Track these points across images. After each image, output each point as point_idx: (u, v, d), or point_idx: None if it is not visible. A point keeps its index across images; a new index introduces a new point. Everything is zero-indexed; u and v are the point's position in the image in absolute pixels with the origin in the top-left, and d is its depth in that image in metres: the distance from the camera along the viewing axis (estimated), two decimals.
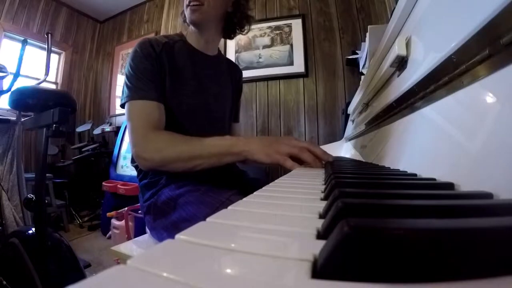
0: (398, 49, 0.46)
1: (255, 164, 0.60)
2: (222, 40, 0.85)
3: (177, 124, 0.69)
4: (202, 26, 0.74)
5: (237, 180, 0.80)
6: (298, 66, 2.11)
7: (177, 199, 0.60)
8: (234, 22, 0.78)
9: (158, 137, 0.61)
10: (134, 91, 0.63)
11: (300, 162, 0.56)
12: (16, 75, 1.39)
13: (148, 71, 0.65)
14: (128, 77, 0.65)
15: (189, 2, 0.68)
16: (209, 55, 0.79)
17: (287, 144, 0.56)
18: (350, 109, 1.23)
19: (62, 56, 2.94)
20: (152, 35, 2.74)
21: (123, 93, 0.66)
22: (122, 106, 0.66)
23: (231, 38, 0.84)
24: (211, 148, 0.59)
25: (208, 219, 0.17)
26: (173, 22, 2.68)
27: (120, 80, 2.96)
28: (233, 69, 0.90)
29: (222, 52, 0.87)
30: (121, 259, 0.65)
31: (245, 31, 0.83)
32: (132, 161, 0.74)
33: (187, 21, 0.73)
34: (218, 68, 0.82)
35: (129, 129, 0.64)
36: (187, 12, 0.70)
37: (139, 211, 1.40)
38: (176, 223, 0.59)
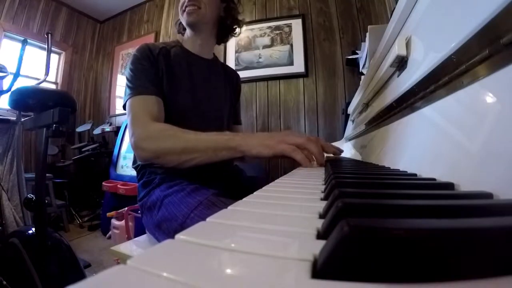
0: (398, 49, 0.46)
1: (255, 160, 0.59)
2: None
3: (173, 123, 0.69)
4: (198, 28, 0.77)
5: (233, 179, 0.80)
6: (298, 66, 2.11)
7: (164, 199, 0.61)
8: (227, 25, 0.84)
9: (155, 127, 0.62)
10: (135, 89, 0.65)
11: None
12: (16, 75, 1.39)
13: (147, 70, 0.67)
14: (128, 79, 0.67)
15: (186, 6, 0.73)
16: (204, 58, 0.82)
17: (291, 134, 0.54)
18: (350, 109, 1.23)
19: (62, 56, 2.94)
20: (152, 35, 2.75)
21: (125, 95, 0.67)
22: (124, 106, 0.67)
23: (224, 42, 0.89)
24: (207, 142, 0.58)
25: (208, 219, 0.17)
26: (173, 22, 2.68)
27: (120, 80, 2.96)
28: (230, 73, 0.93)
29: (222, 52, 0.89)
30: (121, 259, 0.65)
31: (237, 34, 0.90)
32: (133, 162, 0.74)
33: (184, 23, 0.77)
34: (213, 70, 0.84)
35: (129, 122, 0.64)
36: (184, 16, 0.74)
37: (139, 211, 1.40)
38: (159, 223, 0.59)
